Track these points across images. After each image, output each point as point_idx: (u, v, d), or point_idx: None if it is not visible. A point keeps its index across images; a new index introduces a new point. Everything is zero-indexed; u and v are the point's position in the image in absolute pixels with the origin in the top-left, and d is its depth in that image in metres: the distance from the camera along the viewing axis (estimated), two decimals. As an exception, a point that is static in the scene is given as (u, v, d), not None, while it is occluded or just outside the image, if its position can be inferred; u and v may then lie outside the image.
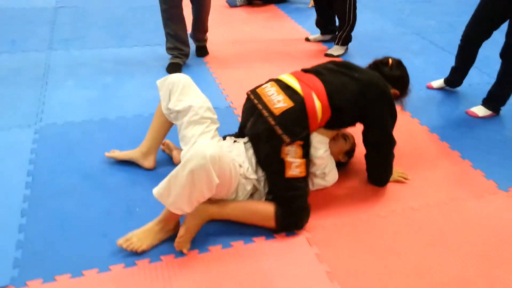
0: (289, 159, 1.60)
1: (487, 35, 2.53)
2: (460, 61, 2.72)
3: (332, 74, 1.74)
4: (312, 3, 4.34)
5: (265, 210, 1.63)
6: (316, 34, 3.55)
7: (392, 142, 1.84)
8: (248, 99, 1.77)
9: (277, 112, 1.60)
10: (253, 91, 1.76)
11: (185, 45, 2.86)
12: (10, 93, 2.45)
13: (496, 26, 2.47)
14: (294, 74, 1.74)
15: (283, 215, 1.61)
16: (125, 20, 3.63)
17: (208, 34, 3.12)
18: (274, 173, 1.65)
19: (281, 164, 1.61)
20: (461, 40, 2.65)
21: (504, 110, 2.59)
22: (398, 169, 2.01)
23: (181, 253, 1.53)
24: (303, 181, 1.65)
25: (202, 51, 3.10)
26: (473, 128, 2.45)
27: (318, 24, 3.49)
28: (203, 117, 1.69)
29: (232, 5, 4.19)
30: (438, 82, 2.87)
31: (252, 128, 1.68)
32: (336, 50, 3.29)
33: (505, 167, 2.13)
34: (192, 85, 1.79)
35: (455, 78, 2.80)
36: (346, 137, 1.95)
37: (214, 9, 3.31)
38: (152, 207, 1.71)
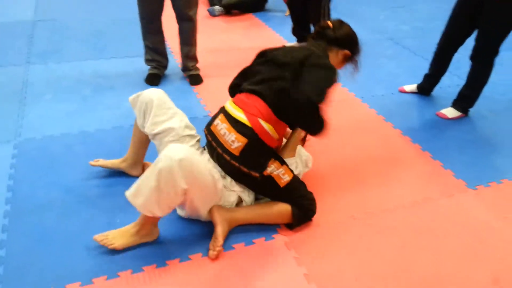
0: (274, 173, 1.68)
1: (461, 42, 2.63)
2: (434, 68, 2.82)
3: (271, 86, 1.66)
4: (288, 11, 4.44)
5: (285, 210, 1.73)
6: (293, 42, 3.62)
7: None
8: (206, 137, 1.76)
9: (236, 152, 1.62)
10: (209, 129, 1.74)
11: (163, 57, 2.90)
12: (-12, 108, 2.46)
13: (469, 34, 2.57)
14: (238, 103, 1.69)
15: (299, 212, 1.73)
16: (104, 33, 3.65)
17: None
18: (271, 191, 1.74)
19: (271, 180, 1.69)
20: (436, 49, 2.74)
21: (472, 111, 2.69)
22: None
23: (163, 263, 1.57)
24: (296, 180, 1.76)
25: (194, 79, 2.92)
26: (443, 130, 2.55)
27: (294, 32, 3.57)
28: (183, 136, 1.73)
29: (211, 14, 4.25)
30: (411, 87, 2.97)
31: (221, 165, 1.69)
32: None
33: (474, 166, 2.23)
34: (165, 102, 1.76)
35: (428, 85, 2.90)
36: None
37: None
38: (132, 218, 1.74)
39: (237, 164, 1.64)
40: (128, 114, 2.46)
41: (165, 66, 2.94)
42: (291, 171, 1.75)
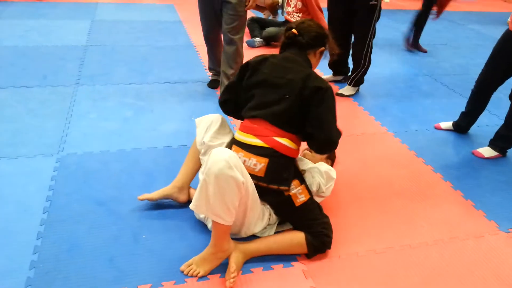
0: (292, 192, 1.71)
1: (501, 82, 2.59)
2: (472, 106, 2.78)
3: (273, 110, 1.70)
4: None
5: (297, 239, 1.73)
6: (328, 74, 3.68)
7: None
8: None
9: (261, 174, 1.66)
10: None
11: (218, 66, 3.27)
12: (38, 123, 2.65)
13: (509, 75, 2.53)
14: (247, 130, 1.73)
15: (313, 241, 1.72)
16: (149, 58, 3.86)
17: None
18: (286, 210, 1.76)
19: (289, 199, 1.72)
20: (474, 86, 2.71)
21: (510, 152, 2.62)
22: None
23: (181, 280, 1.61)
24: (312, 202, 1.77)
25: (214, 83, 3.36)
26: (478, 169, 2.48)
27: (331, 65, 3.63)
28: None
29: (251, 46, 4.40)
30: (447, 124, 2.93)
31: None
32: (347, 90, 3.40)
33: (507, 208, 2.15)
34: (227, 126, 1.94)
35: (464, 123, 2.85)
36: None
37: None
38: (157, 235, 1.82)
39: (265, 185, 1.67)
40: (162, 136, 2.59)
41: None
42: (309, 192, 1.76)
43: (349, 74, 3.49)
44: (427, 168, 2.46)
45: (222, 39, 3.09)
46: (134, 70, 3.58)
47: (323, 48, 1.87)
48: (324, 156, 2.13)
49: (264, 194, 1.72)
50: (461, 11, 6.98)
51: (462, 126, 2.86)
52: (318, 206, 1.82)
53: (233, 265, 1.62)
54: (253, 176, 1.66)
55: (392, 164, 2.48)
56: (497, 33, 2.60)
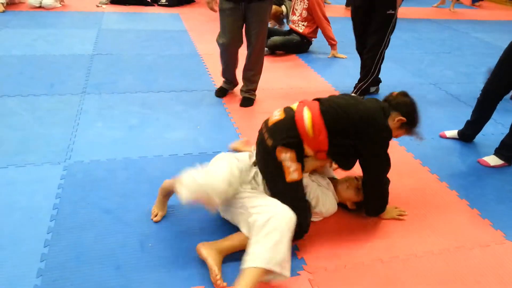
0: (286, 164, 1.75)
1: (507, 91, 2.60)
2: (477, 115, 2.78)
3: (334, 99, 1.87)
4: (332, 53, 4.54)
5: None
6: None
7: (384, 169, 1.93)
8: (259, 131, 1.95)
9: (270, 123, 1.83)
10: (265, 122, 1.92)
11: (232, 77, 3.35)
12: (45, 131, 2.67)
13: None
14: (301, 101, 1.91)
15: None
16: (154, 67, 3.90)
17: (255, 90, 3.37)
18: (276, 182, 1.79)
19: (280, 169, 1.75)
20: (480, 95, 2.71)
21: (516, 160, 2.61)
22: (395, 206, 2.10)
23: (187, 288, 1.62)
24: (300, 185, 1.82)
25: (246, 101, 3.27)
26: (484, 178, 2.48)
27: (357, 48, 3.56)
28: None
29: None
30: (452, 133, 2.93)
31: (257, 153, 1.90)
32: None
33: (514, 217, 2.15)
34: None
35: (469, 132, 2.85)
36: (359, 189, 2.03)
37: (239, 58, 3.53)
38: (163, 243, 1.83)
39: (266, 135, 1.79)
40: (168, 145, 2.60)
41: (233, 84, 3.43)
42: (301, 175, 1.80)
43: (356, 82, 3.50)
44: (432, 177, 2.46)
45: (247, 47, 3.15)
46: (140, 79, 3.61)
47: (404, 119, 1.89)
48: (352, 198, 2.05)
49: (262, 162, 1.82)
50: (465, 20, 7.00)
51: (468, 134, 2.86)
52: (303, 197, 1.84)
53: (214, 269, 1.63)
54: (267, 127, 1.83)
55: (397, 173, 2.47)
56: (502, 41, 2.62)
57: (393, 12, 3.05)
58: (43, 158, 2.40)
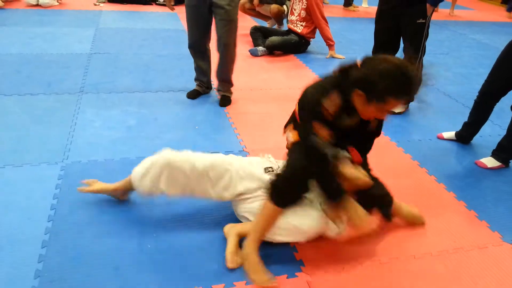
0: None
1: (504, 92, 2.60)
2: (474, 116, 2.78)
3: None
4: (330, 54, 4.55)
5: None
6: None
7: None
8: None
9: None
10: None
11: (205, 77, 3.34)
12: (42, 131, 2.66)
13: None
14: None
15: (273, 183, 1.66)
16: (152, 67, 3.89)
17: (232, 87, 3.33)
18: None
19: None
20: (477, 97, 2.72)
21: (513, 162, 2.62)
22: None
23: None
24: (296, 148, 1.67)
25: (224, 101, 3.26)
26: (481, 179, 2.49)
27: None
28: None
29: (254, 54, 4.42)
30: (449, 134, 2.93)
31: None
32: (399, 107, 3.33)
33: (511, 219, 2.15)
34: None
35: (467, 133, 2.86)
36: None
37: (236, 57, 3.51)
38: (162, 244, 1.83)
39: None
40: (166, 145, 2.58)
41: (208, 86, 3.39)
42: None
43: None
44: (430, 178, 2.46)
45: (216, 46, 3.12)
46: (138, 78, 3.60)
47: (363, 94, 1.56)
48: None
49: None
50: (462, 21, 7.02)
51: (465, 136, 2.87)
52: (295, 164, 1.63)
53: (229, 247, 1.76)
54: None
55: (395, 174, 2.48)
56: (499, 43, 2.63)
57: (423, 21, 2.98)
58: (40, 158, 2.39)
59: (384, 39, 3.21)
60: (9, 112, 2.87)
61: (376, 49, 3.38)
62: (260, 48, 4.45)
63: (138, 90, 3.36)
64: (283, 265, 1.76)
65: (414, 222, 2.05)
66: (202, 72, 3.32)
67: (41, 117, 2.84)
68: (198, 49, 3.20)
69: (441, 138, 2.94)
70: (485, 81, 2.66)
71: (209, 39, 3.17)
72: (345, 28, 5.62)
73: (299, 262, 1.79)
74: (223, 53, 3.12)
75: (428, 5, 2.95)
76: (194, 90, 3.36)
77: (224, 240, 1.84)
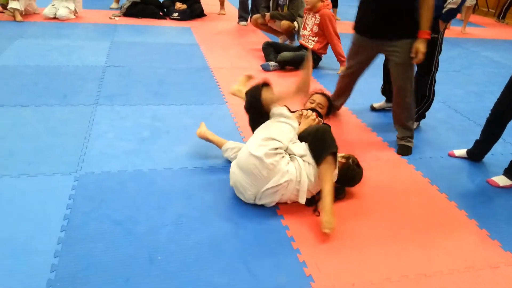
0: None
1: None
2: (486, 135, 2.77)
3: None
4: (341, 69, 4.57)
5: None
6: (381, 101, 3.68)
7: None
8: None
9: None
10: None
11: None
12: (57, 142, 2.71)
13: None
14: None
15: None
16: (166, 80, 3.95)
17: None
18: None
19: None
20: (490, 115, 2.71)
21: (526, 181, 2.60)
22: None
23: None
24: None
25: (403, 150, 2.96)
26: (493, 198, 2.47)
27: (384, 92, 3.62)
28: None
29: (266, 69, 4.47)
30: (461, 152, 2.92)
31: None
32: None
33: (524, 239, 2.13)
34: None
35: (478, 151, 2.85)
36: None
37: (248, 72, 3.54)
38: (173, 257, 1.84)
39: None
40: (178, 158, 2.63)
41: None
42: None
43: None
44: (441, 196, 2.45)
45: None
46: (151, 91, 3.65)
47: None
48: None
49: None
50: (474, 38, 7.02)
51: (477, 154, 2.86)
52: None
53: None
54: None
55: (406, 191, 2.48)
56: (511, 60, 2.61)
57: (436, 36, 3.00)
58: (55, 168, 2.43)
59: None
60: (25, 123, 2.93)
61: (386, 80, 3.48)
62: (272, 63, 4.49)
63: (152, 103, 3.42)
64: (292, 281, 1.76)
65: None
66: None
67: (56, 128, 2.89)
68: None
69: (452, 156, 2.93)
70: (498, 99, 2.65)
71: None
72: (356, 44, 5.65)
73: (309, 278, 1.79)
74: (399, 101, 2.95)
75: (440, 21, 2.97)
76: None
77: (236, 253, 1.85)
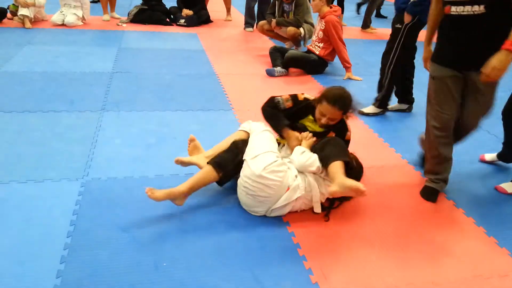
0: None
1: None
2: (505, 134, 2.76)
3: None
4: (347, 75, 4.57)
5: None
6: (394, 103, 3.77)
7: None
8: None
9: None
10: None
11: None
12: (64, 148, 2.72)
13: None
14: None
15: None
16: (172, 86, 3.96)
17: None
18: None
19: None
20: (501, 114, 2.69)
21: (535, 188, 2.57)
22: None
23: (200, 310, 1.61)
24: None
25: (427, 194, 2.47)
26: (501, 205, 2.45)
27: (396, 93, 3.71)
28: None
29: (271, 75, 4.47)
30: (491, 156, 2.90)
31: None
32: (371, 109, 3.61)
33: (533, 247, 2.11)
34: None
35: (506, 152, 2.83)
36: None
37: (254, 78, 3.57)
38: (178, 264, 1.84)
39: None
40: (185, 163, 2.63)
41: None
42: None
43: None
44: (448, 203, 2.43)
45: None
46: (158, 97, 3.67)
47: None
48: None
49: None
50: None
51: (505, 154, 2.82)
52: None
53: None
54: None
55: (413, 199, 2.46)
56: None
57: (400, 26, 3.30)
58: (62, 174, 2.44)
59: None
60: (33, 129, 2.96)
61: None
62: (278, 68, 4.49)
63: (158, 109, 3.43)
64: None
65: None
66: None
67: (63, 134, 2.91)
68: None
69: (483, 161, 2.92)
70: (508, 99, 2.64)
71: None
72: (362, 50, 5.65)
73: (315, 285, 1.78)
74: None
75: (405, 13, 3.24)
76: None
77: (241, 260, 1.85)
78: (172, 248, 1.93)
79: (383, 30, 7.35)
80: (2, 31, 5.44)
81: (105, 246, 1.91)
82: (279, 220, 2.17)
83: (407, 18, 3.24)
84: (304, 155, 2.17)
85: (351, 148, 2.40)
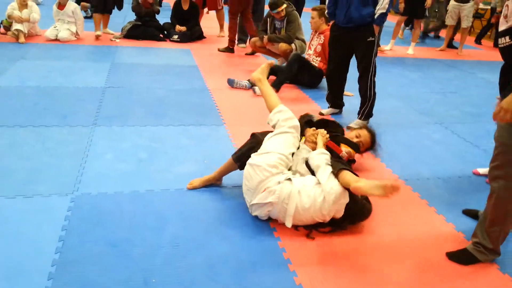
0: None
1: None
2: None
3: None
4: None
5: None
6: (325, 108, 4.03)
7: None
8: None
9: None
10: None
11: None
12: (54, 162, 2.71)
13: None
14: None
15: None
16: (164, 101, 3.97)
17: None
18: None
19: None
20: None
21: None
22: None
23: None
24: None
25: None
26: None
27: (328, 99, 3.98)
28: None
29: (230, 85, 4.51)
30: (484, 170, 2.91)
31: None
32: (357, 123, 3.62)
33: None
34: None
35: None
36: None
37: (246, 93, 3.57)
38: (168, 280, 1.82)
39: None
40: (175, 179, 2.62)
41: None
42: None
43: (358, 109, 3.73)
44: (439, 218, 2.44)
45: None
46: (150, 112, 3.68)
47: None
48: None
49: None
50: (471, 60, 7.10)
51: None
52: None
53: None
54: None
55: (403, 214, 2.47)
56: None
57: (373, 39, 3.45)
58: (51, 189, 2.42)
59: (337, 62, 3.74)
60: (24, 143, 2.94)
61: (332, 69, 3.84)
62: (238, 80, 4.53)
63: (150, 124, 3.43)
64: None
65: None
66: None
67: (54, 149, 2.90)
68: None
69: (476, 174, 2.96)
70: None
71: None
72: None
73: (305, 301, 1.77)
74: None
75: (374, 26, 3.41)
76: None
77: (233, 278, 1.83)
78: (162, 264, 1.92)
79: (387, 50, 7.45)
80: (-5, 46, 5.45)
81: (95, 262, 1.89)
82: (270, 235, 2.16)
83: (376, 29, 3.44)
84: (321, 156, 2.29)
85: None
